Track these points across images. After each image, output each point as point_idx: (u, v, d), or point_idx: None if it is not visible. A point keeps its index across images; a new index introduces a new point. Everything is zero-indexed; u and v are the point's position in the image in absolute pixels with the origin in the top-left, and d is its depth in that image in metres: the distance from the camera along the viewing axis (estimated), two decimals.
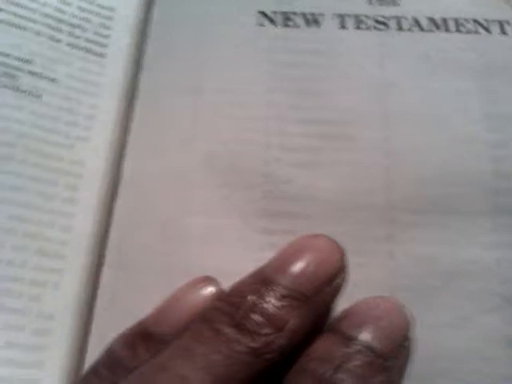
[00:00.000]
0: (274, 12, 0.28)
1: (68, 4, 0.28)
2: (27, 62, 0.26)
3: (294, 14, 0.28)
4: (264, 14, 0.28)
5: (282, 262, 0.17)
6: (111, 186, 0.25)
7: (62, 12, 0.27)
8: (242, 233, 0.23)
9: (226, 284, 0.18)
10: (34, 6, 0.27)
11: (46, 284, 0.23)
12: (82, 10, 0.28)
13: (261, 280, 0.16)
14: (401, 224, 0.23)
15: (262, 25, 0.28)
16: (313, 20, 0.28)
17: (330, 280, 0.17)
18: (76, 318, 0.22)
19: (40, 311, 0.22)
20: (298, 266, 0.16)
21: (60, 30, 0.27)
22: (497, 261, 0.23)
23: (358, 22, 0.28)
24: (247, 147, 0.24)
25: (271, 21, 0.28)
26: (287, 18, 0.28)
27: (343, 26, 0.27)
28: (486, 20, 0.28)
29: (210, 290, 0.18)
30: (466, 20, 0.28)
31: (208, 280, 0.18)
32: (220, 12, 0.28)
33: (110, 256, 0.23)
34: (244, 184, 0.24)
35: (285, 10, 0.28)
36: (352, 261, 0.22)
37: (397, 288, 0.22)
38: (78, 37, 0.27)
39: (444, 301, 0.22)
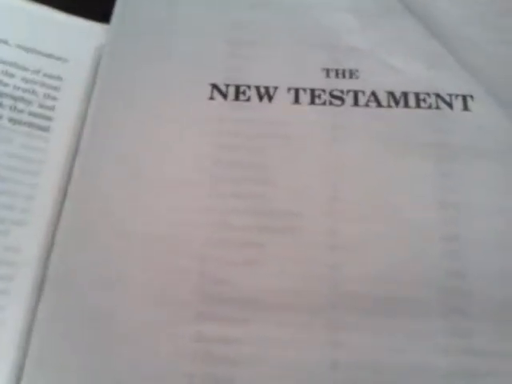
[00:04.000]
0: (227, 85, 0.27)
1: (11, 76, 0.26)
2: None
3: (247, 87, 0.27)
4: (216, 86, 0.27)
5: None
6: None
7: (5, 85, 0.26)
8: (172, 338, 0.22)
9: None
10: None
11: None
12: (26, 81, 0.27)
13: None
14: (345, 328, 0.22)
15: (212, 98, 0.26)
16: (266, 93, 0.26)
17: None
18: None
19: None
20: None
21: (1, 105, 0.26)
22: (447, 368, 0.22)
23: (313, 97, 0.26)
24: (184, 241, 0.23)
25: (223, 95, 0.26)
26: (239, 92, 0.26)
27: (297, 101, 0.26)
28: (449, 94, 0.27)
29: None
30: (428, 94, 0.27)
31: None
32: (170, 84, 0.27)
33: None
34: (178, 283, 0.23)
35: (237, 82, 0.27)
36: (292, 372, 0.21)
37: None
38: (20, 111, 0.26)
39: None
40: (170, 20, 0.28)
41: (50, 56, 0.27)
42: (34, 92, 0.27)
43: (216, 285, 0.22)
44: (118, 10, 0.28)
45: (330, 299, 0.22)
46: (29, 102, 0.26)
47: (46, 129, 0.26)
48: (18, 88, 0.26)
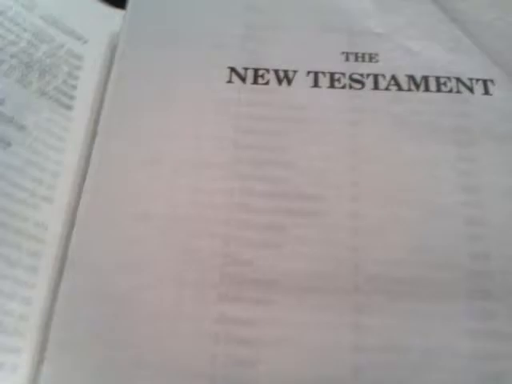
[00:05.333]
0: (245, 68, 0.26)
1: (35, 46, 0.26)
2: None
3: (266, 70, 0.26)
4: (234, 70, 0.26)
5: None
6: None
7: (31, 54, 0.26)
8: (194, 319, 0.21)
9: None
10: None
11: (2, 366, 0.21)
12: (51, 54, 0.26)
13: None
14: (368, 311, 0.22)
15: (230, 81, 0.26)
16: (285, 77, 0.26)
17: None
18: None
19: None
20: None
21: (29, 74, 0.25)
22: (472, 351, 0.21)
23: (333, 80, 0.26)
24: (206, 223, 0.23)
25: (241, 78, 0.26)
26: (258, 75, 0.26)
27: (316, 85, 0.26)
28: (470, 79, 0.26)
29: None
30: (448, 78, 0.26)
31: None
32: (188, 67, 0.26)
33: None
34: (200, 265, 0.22)
35: (256, 66, 0.26)
36: (314, 354, 0.21)
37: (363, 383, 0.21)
38: (47, 83, 0.26)
39: None
40: (186, 3, 0.28)
41: (71, 33, 0.27)
42: (58, 66, 0.26)
43: (238, 266, 0.22)
44: None
45: (353, 282, 0.22)
46: (54, 76, 0.26)
47: (69, 107, 0.26)
48: (44, 60, 0.26)
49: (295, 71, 0.26)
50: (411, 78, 0.26)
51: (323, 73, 0.26)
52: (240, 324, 0.21)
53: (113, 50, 0.28)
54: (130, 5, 0.28)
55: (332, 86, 0.26)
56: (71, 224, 0.24)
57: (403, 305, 0.22)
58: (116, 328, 0.21)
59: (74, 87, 0.27)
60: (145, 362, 0.21)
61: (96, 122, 0.26)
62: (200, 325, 0.21)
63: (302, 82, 0.26)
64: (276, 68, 0.26)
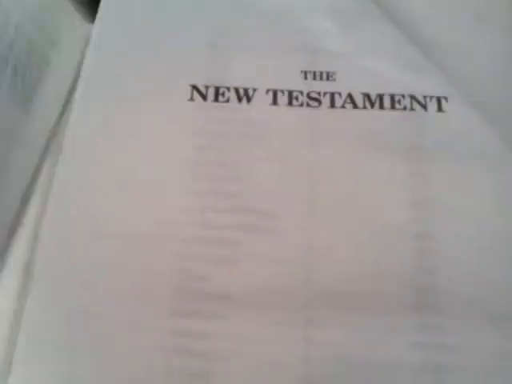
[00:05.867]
0: (206, 86, 0.27)
1: (18, 43, 0.25)
2: None
3: (227, 88, 0.27)
4: (195, 87, 0.27)
5: None
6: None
7: (11, 50, 0.25)
8: (151, 334, 0.22)
9: None
10: None
11: None
12: (26, 54, 0.26)
13: None
14: (318, 325, 0.23)
15: (192, 99, 0.27)
16: (244, 95, 0.27)
17: None
18: None
19: None
20: None
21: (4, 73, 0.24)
22: (419, 363, 0.22)
23: (291, 99, 0.27)
24: (164, 239, 0.24)
25: (202, 96, 0.27)
26: (219, 93, 0.27)
27: (275, 102, 0.27)
28: (424, 96, 0.27)
29: None
30: (403, 96, 0.27)
31: None
32: (151, 85, 0.27)
33: None
34: (157, 280, 0.23)
35: (217, 84, 0.27)
36: (266, 367, 0.22)
37: None
38: (16, 84, 0.25)
39: None
40: (151, 22, 0.29)
41: (47, 36, 0.27)
42: (30, 68, 0.26)
43: (194, 281, 0.23)
44: (102, 10, 0.29)
45: (304, 297, 0.23)
46: (23, 77, 0.25)
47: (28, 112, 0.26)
48: (20, 58, 0.25)
49: (255, 89, 0.27)
50: (366, 95, 0.27)
51: (282, 91, 0.27)
52: (194, 338, 0.22)
53: (79, 64, 0.28)
54: (97, 21, 0.29)
55: (290, 103, 0.27)
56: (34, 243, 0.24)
57: (352, 319, 0.23)
58: (76, 344, 0.22)
59: (35, 93, 0.26)
60: (103, 375, 0.22)
61: (53, 133, 0.27)
62: (155, 338, 0.22)
63: (261, 99, 0.27)
64: (237, 86, 0.27)
